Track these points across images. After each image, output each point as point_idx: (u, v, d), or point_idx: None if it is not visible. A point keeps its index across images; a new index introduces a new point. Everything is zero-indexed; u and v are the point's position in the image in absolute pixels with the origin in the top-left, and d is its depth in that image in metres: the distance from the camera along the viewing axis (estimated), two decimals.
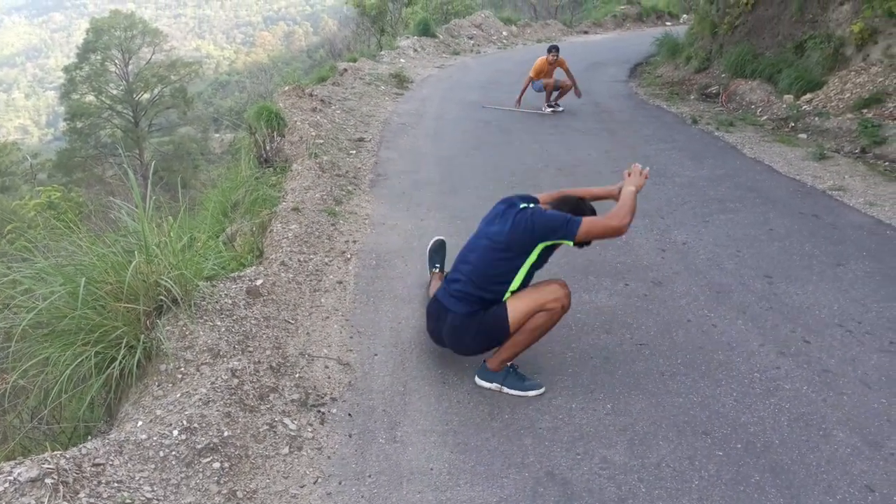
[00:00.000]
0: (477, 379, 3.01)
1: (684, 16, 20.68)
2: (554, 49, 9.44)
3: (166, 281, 2.79)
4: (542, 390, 2.92)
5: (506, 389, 2.93)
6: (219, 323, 3.03)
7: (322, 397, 2.83)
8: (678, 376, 3.08)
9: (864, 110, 7.62)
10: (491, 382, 2.96)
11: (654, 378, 3.07)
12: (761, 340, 3.35)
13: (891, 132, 6.94)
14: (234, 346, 2.92)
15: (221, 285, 3.38)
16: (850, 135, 7.37)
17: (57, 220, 4.07)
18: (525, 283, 2.91)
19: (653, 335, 3.45)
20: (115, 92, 34.99)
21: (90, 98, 34.19)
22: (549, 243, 2.87)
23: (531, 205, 3.02)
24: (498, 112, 9.59)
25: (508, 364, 2.97)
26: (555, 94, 9.58)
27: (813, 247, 4.55)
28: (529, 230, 2.83)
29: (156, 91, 35.59)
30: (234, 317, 3.14)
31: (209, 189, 9.16)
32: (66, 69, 34.96)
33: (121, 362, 2.60)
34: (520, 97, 9.61)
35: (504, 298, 2.89)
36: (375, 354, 3.24)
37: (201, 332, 2.90)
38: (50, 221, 5.33)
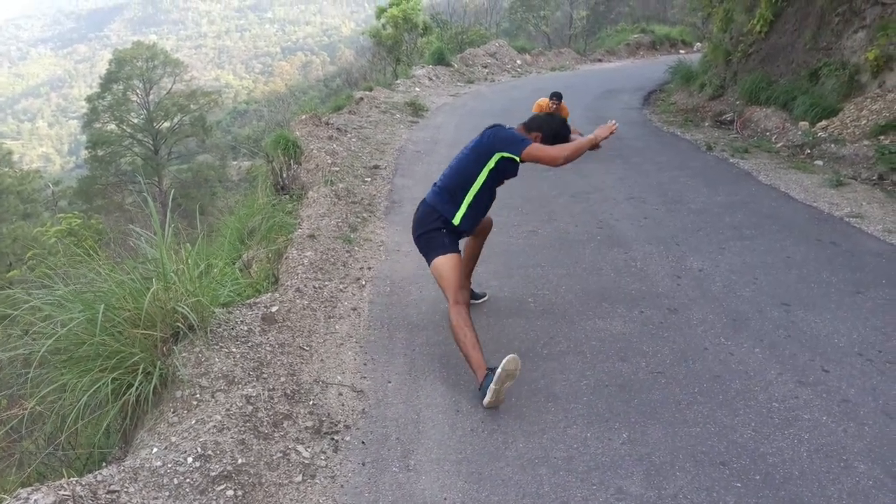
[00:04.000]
0: (483, 401, 2.99)
1: (697, 44, 20.78)
2: (555, 96, 9.02)
3: (183, 308, 2.83)
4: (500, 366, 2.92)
5: (491, 386, 2.93)
6: (234, 350, 3.05)
7: (336, 425, 2.83)
8: (695, 405, 3.04)
9: (882, 137, 7.57)
10: (484, 394, 2.98)
11: (670, 407, 3.03)
12: (779, 369, 3.31)
13: None
14: (249, 373, 2.93)
15: (237, 312, 3.41)
16: (867, 161, 7.33)
17: (77, 247, 4.14)
18: (483, 188, 3.47)
19: (669, 363, 3.42)
20: (135, 121, 35.63)
21: (112, 127, 34.85)
22: (503, 154, 3.37)
23: (506, 126, 3.54)
24: None
25: (488, 369, 3.01)
26: None
27: (831, 274, 4.50)
28: (490, 141, 3.42)
29: (175, 120, 36.21)
30: (250, 343, 3.16)
31: (226, 216, 9.29)
32: (89, 99, 35.73)
33: (137, 388, 2.62)
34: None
35: (460, 206, 3.45)
36: (389, 382, 3.24)
37: (217, 359, 2.92)
38: (70, 248, 5.42)
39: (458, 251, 3.47)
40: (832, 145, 8.05)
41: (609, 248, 5.20)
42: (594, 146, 3.38)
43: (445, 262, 3.36)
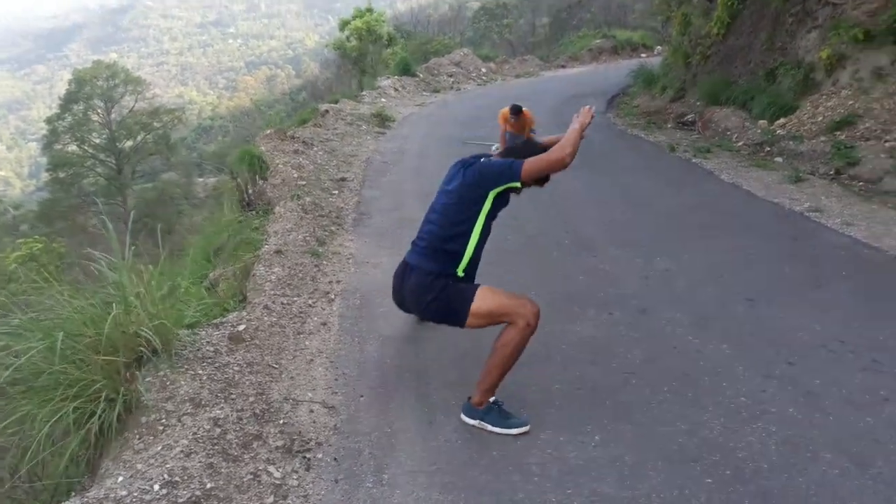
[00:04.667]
0: (462, 415, 2.99)
1: (658, 47, 21.16)
2: (514, 111, 7.78)
3: (145, 332, 2.77)
4: (526, 428, 2.89)
5: (489, 427, 2.90)
6: (200, 371, 2.99)
7: (307, 443, 2.79)
8: (666, 404, 3.07)
9: (837, 132, 7.77)
10: (473, 419, 2.94)
11: (642, 407, 3.06)
12: (746, 364, 3.36)
13: (863, 153, 7.08)
14: (217, 395, 2.88)
15: (203, 332, 3.36)
16: (825, 157, 7.51)
17: (38, 273, 4.03)
18: (483, 235, 3.01)
19: (639, 364, 3.45)
20: (97, 141, 35.01)
21: (73, 148, 34.19)
22: (499, 189, 2.98)
23: (482, 159, 3.13)
24: (479, 147, 9.69)
25: (492, 400, 2.95)
26: None
27: (792, 269, 4.60)
28: (479, 181, 2.97)
29: (139, 138, 35.66)
30: (217, 364, 3.11)
31: (193, 234, 9.16)
32: (49, 120, 35.03)
33: (100, 416, 2.55)
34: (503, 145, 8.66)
35: (462, 260, 2.95)
36: (361, 396, 3.21)
37: (182, 382, 2.87)
38: (30, 275, 5.29)
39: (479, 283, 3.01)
40: (790, 142, 8.24)
41: (578, 252, 5.24)
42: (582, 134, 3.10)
43: (483, 299, 2.87)
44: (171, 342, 2.99)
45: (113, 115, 35.57)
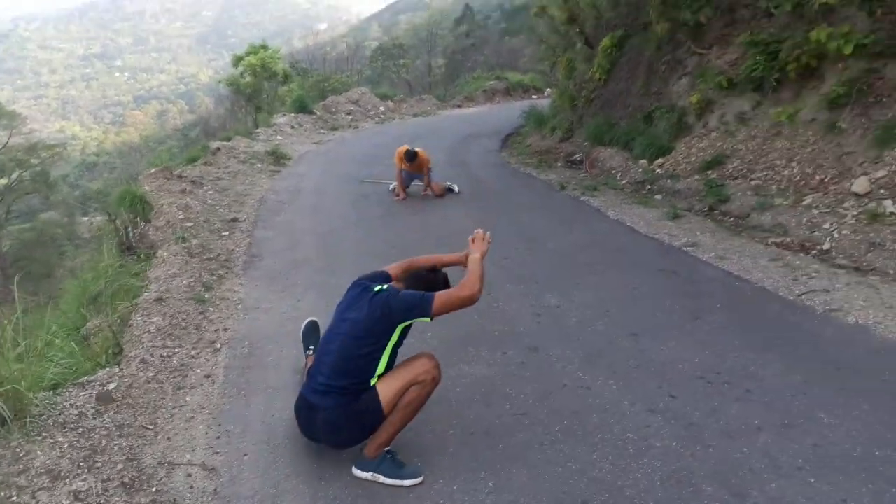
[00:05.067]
0: (354, 469, 2.87)
1: (548, 90, 22.13)
2: (409, 158, 8.44)
3: None
4: (419, 479, 2.82)
5: (381, 478, 2.81)
6: (61, 439, 2.72)
7: None
8: (557, 444, 3.09)
9: (709, 171, 8.36)
10: (366, 471, 2.84)
11: (534, 448, 3.06)
12: (632, 399, 3.46)
13: (732, 191, 7.64)
14: (79, 464, 2.62)
15: (68, 393, 3.07)
16: (699, 194, 8.05)
17: None
18: (390, 365, 2.89)
19: (531, 403, 3.48)
20: None
21: None
22: (407, 323, 2.90)
23: (385, 286, 3.00)
24: (377, 185, 9.67)
25: (385, 450, 2.87)
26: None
27: (673, 302, 4.83)
28: (387, 315, 2.84)
29: (14, 176, 33.10)
30: (80, 429, 2.83)
31: (69, 279, 8.51)
32: None
33: None
34: (401, 185, 8.78)
35: (372, 383, 2.82)
36: (245, 455, 3.03)
37: (39, 452, 2.59)
38: None
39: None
40: (668, 181, 8.78)
41: None
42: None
43: (386, 389, 2.80)
44: (25, 408, 2.70)
45: None
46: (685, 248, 6.15)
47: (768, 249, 5.94)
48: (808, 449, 2.94)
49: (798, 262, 5.48)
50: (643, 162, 9.60)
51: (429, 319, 2.87)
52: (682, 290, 5.10)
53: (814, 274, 5.18)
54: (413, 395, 2.82)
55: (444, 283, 3.10)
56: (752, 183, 7.59)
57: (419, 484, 2.81)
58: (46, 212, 35.67)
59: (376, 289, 2.96)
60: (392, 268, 3.25)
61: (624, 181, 9.40)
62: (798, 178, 7.07)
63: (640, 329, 4.37)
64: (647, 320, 4.53)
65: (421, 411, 3.02)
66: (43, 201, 35.13)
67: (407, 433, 3.05)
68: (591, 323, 4.52)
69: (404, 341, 2.99)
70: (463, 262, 3.20)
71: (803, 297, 4.76)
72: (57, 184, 35.97)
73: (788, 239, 6.15)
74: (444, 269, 3.25)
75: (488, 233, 3.24)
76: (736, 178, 7.90)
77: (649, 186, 8.88)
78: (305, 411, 2.90)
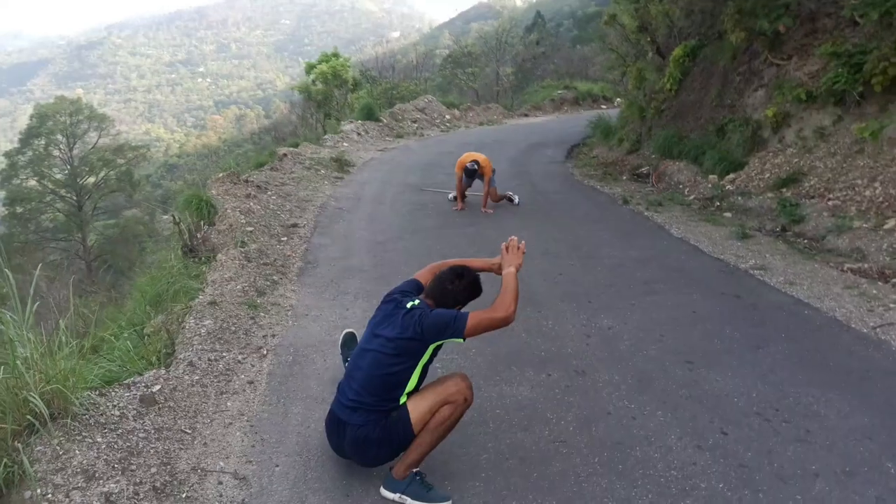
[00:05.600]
0: (382, 489, 2.82)
1: (618, 100, 21.70)
2: (468, 173, 8.44)
3: (32, 397, 2.56)
4: (447, 503, 2.75)
5: (409, 500, 2.75)
6: (99, 439, 2.79)
7: None
8: (594, 477, 2.95)
9: (783, 189, 7.95)
10: (394, 492, 2.78)
11: (569, 480, 2.93)
12: (680, 433, 3.28)
13: (807, 211, 7.23)
14: (114, 466, 2.68)
15: (113, 393, 3.15)
16: (771, 213, 7.66)
17: None
18: (420, 382, 2.84)
19: (572, 431, 3.34)
20: (58, 176, 34.37)
21: (32, 183, 33.46)
22: (440, 343, 2.83)
23: (416, 301, 2.92)
24: (436, 194, 9.67)
25: (414, 471, 2.81)
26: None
27: (734, 329, 4.58)
28: (419, 334, 2.76)
29: (101, 175, 35.08)
30: (119, 431, 2.90)
31: (139, 277, 8.86)
32: (7, 155, 34.30)
33: None
34: (460, 196, 8.76)
35: (402, 402, 2.77)
36: (277, 466, 3.03)
37: (77, 451, 2.66)
38: None
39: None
40: (739, 198, 8.40)
41: (522, 306, 5.08)
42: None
43: (416, 408, 2.74)
44: (69, 407, 2.79)
45: (75, 151, 35.02)
46: (752, 271, 5.84)
47: (843, 276, 5.57)
48: (871, 501, 2.69)
49: (875, 292, 5.10)
50: (713, 177, 9.23)
51: (462, 340, 2.79)
52: (744, 317, 4.83)
53: (892, 305, 4.81)
54: (444, 416, 2.75)
55: (469, 289, 3.01)
56: (830, 203, 7.16)
57: None
58: (130, 209, 37.54)
59: (409, 305, 2.89)
60: (421, 274, 3.19)
61: (691, 197, 9.06)
62: (881, 199, 6.62)
63: (696, 356, 4.15)
64: (704, 347, 4.30)
65: (455, 432, 2.95)
66: (127, 199, 36.99)
67: (439, 454, 2.99)
68: (644, 347, 4.33)
69: (435, 359, 2.93)
70: (495, 270, 3.12)
71: (878, 329, 4.42)
72: (140, 183, 37.84)
73: (866, 265, 5.75)
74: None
75: (523, 242, 3.14)
76: (812, 197, 7.48)
77: (718, 203, 8.52)
78: (334, 426, 2.87)
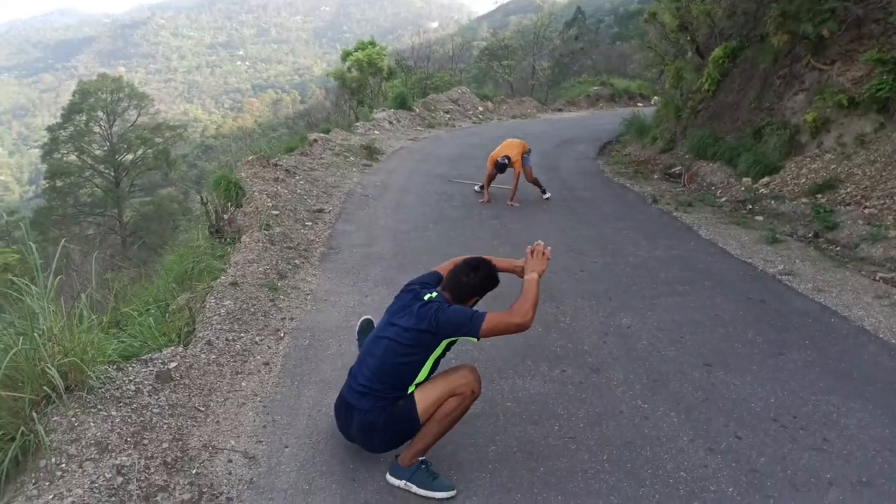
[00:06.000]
0: (388, 475, 2.84)
1: (655, 97, 21.39)
2: (499, 168, 8.46)
3: (49, 369, 2.63)
4: (451, 493, 2.75)
5: (413, 488, 2.76)
6: (114, 412, 2.85)
7: (216, 497, 2.64)
8: (601, 474, 2.93)
9: (819, 195, 7.77)
10: (399, 479, 2.80)
11: (576, 476, 2.92)
12: (692, 435, 3.23)
13: (842, 218, 7.05)
14: (127, 439, 2.74)
15: (131, 368, 3.22)
16: (804, 219, 7.49)
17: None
18: (431, 374, 2.85)
19: (581, 427, 3.32)
20: (97, 152, 35.14)
21: (72, 158, 34.29)
22: (454, 340, 2.82)
23: (434, 294, 2.91)
24: (464, 186, 9.65)
25: (420, 459, 2.82)
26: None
27: (756, 333, 4.49)
28: (433, 328, 2.75)
29: (139, 152, 35.79)
30: (134, 405, 2.96)
31: (168, 255, 9.03)
32: (50, 129, 35.18)
33: None
34: (486, 189, 8.81)
35: (410, 391, 2.78)
36: (286, 446, 3.07)
37: (92, 424, 2.73)
38: None
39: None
40: (772, 202, 8.22)
41: (542, 301, 5.04)
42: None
43: (424, 398, 2.74)
44: (85, 380, 2.86)
45: (115, 128, 35.78)
46: (780, 276, 5.71)
47: (874, 285, 5.42)
48: None
49: None
50: (747, 180, 9.04)
51: (476, 340, 2.77)
52: (768, 322, 4.74)
53: None
54: (451, 407, 2.75)
55: (485, 282, 2.99)
56: (866, 211, 6.97)
57: (451, 498, 2.74)
58: (165, 188, 38.21)
59: (426, 297, 2.89)
60: (443, 267, 3.17)
61: (723, 199, 8.90)
62: None
63: (715, 359, 4.09)
64: (724, 351, 4.23)
65: (464, 423, 2.96)
66: (163, 178, 37.65)
67: (446, 444, 3.00)
68: (662, 348, 4.28)
69: (448, 354, 2.93)
70: (517, 272, 3.09)
71: None
72: (176, 162, 38.49)
73: None
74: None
75: (549, 248, 3.07)
76: (848, 204, 7.29)
77: (750, 206, 8.35)
78: (343, 409, 2.89)
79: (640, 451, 3.11)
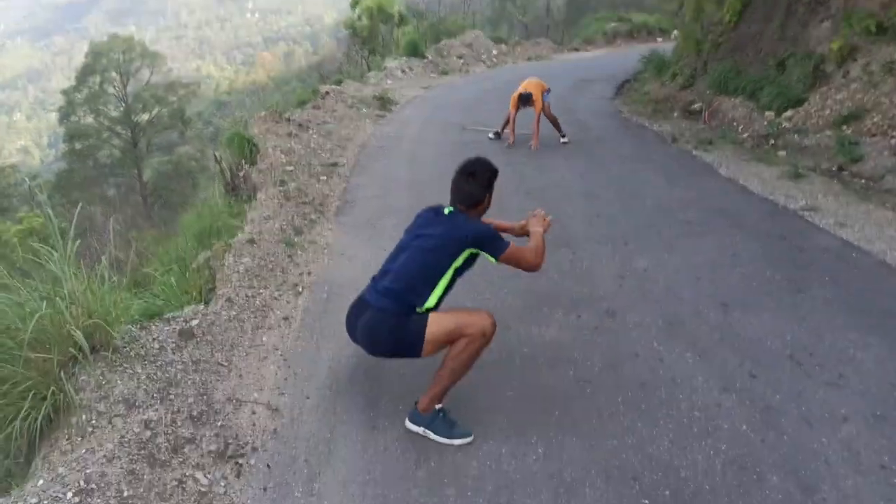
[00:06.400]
0: (407, 422, 2.92)
1: (675, 32, 20.68)
2: (522, 100, 8.44)
3: (75, 332, 2.71)
4: (468, 439, 2.82)
5: (431, 435, 2.84)
6: (139, 370, 2.95)
7: (242, 447, 2.74)
8: (617, 416, 2.98)
9: (844, 127, 7.54)
10: (418, 426, 2.88)
11: (591, 419, 2.97)
12: (707, 375, 3.25)
13: (868, 149, 6.86)
14: (153, 395, 2.84)
15: (154, 327, 3.31)
16: (828, 152, 7.30)
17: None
18: (449, 287, 2.93)
19: (597, 371, 3.36)
20: (113, 113, 35.27)
21: (89, 120, 34.48)
22: (475, 251, 2.93)
23: (451, 208, 3.07)
24: (478, 133, 9.54)
25: (438, 407, 2.89)
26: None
27: (775, 272, 4.45)
28: (464, 233, 2.89)
29: (154, 112, 35.84)
30: (159, 363, 3.06)
31: (185, 215, 9.13)
32: (65, 92, 35.28)
33: (27, 416, 2.52)
34: (512, 130, 8.73)
35: (425, 304, 2.84)
36: (308, 397, 3.16)
37: (119, 381, 2.83)
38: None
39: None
40: (796, 136, 8.01)
41: (557, 247, 5.10)
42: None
43: (437, 323, 2.78)
44: (110, 340, 2.95)
45: (129, 88, 35.77)
46: (801, 212, 5.61)
47: None
48: None
49: None
50: (769, 114, 8.78)
51: (494, 261, 2.94)
52: (788, 259, 4.68)
53: None
54: (460, 348, 2.78)
55: (487, 180, 3.12)
56: (893, 141, 6.77)
57: (468, 443, 2.81)
58: (183, 146, 38.36)
59: (447, 211, 3.04)
60: None
61: (745, 134, 8.68)
62: None
63: (732, 299, 4.07)
64: (741, 290, 4.21)
65: (480, 370, 3.02)
66: (179, 136, 37.80)
67: (465, 389, 3.06)
68: (679, 289, 4.27)
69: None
70: (516, 231, 3.33)
71: None
72: (192, 120, 38.53)
73: None
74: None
75: (549, 216, 3.32)
76: (874, 135, 7.08)
77: (773, 141, 8.14)
78: (357, 307, 3.01)
79: (654, 392, 3.15)
